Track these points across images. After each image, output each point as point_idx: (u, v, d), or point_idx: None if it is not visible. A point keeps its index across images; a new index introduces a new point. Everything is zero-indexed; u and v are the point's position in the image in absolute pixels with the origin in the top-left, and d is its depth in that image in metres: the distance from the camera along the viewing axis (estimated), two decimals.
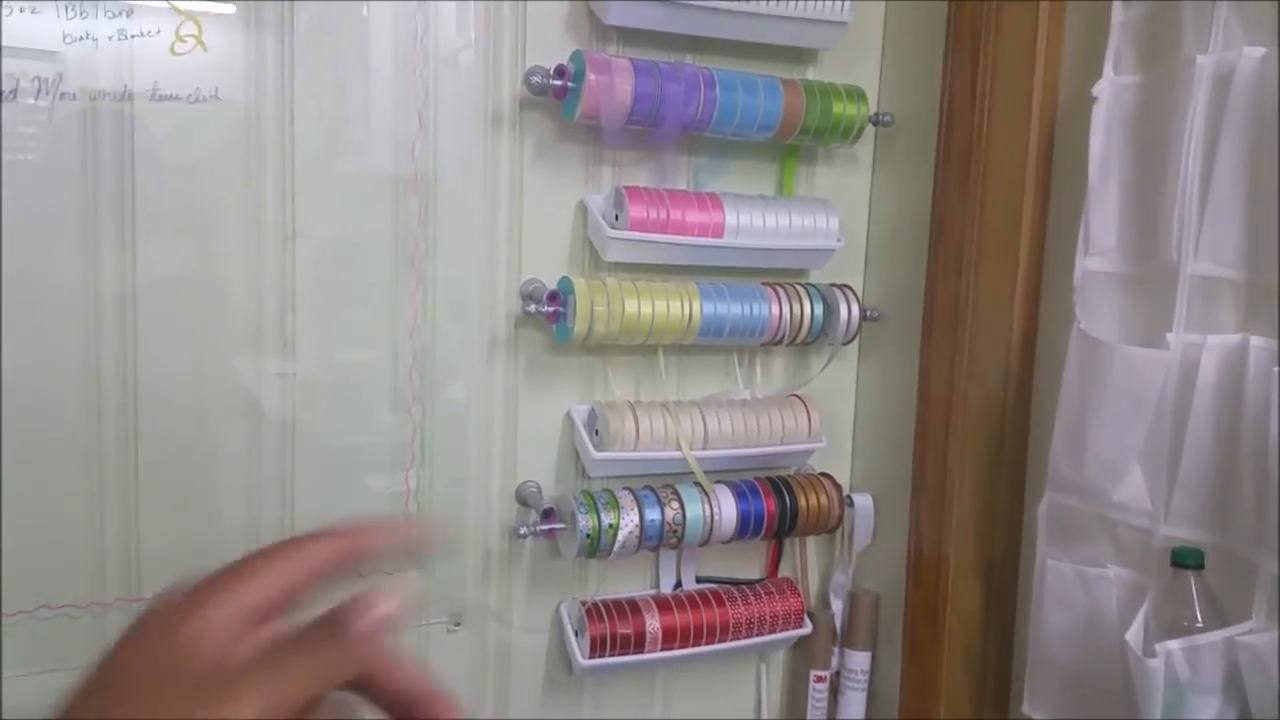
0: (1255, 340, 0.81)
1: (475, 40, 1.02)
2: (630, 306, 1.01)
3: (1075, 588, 0.93)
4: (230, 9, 0.92)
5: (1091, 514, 0.92)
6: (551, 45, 1.03)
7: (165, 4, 0.90)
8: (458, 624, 1.09)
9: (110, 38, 0.89)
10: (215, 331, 0.95)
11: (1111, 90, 0.92)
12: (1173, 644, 0.79)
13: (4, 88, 0.86)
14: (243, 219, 0.95)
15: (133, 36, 0.90)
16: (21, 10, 0.86)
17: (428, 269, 1.02)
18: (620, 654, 1.08)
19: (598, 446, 1.05)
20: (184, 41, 0.92)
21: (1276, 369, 0.78)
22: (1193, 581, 0.81)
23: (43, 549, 0.91)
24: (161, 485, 0.95)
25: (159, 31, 0.90)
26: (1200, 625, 0.80)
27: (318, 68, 0.96)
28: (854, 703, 1.20)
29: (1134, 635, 0.82)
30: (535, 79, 0.99)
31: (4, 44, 0.85)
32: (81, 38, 0.88)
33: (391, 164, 1.00)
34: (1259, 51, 0.81)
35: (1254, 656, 0.78)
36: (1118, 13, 0.91)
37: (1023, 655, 1.02)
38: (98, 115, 0.89)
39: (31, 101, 0.87)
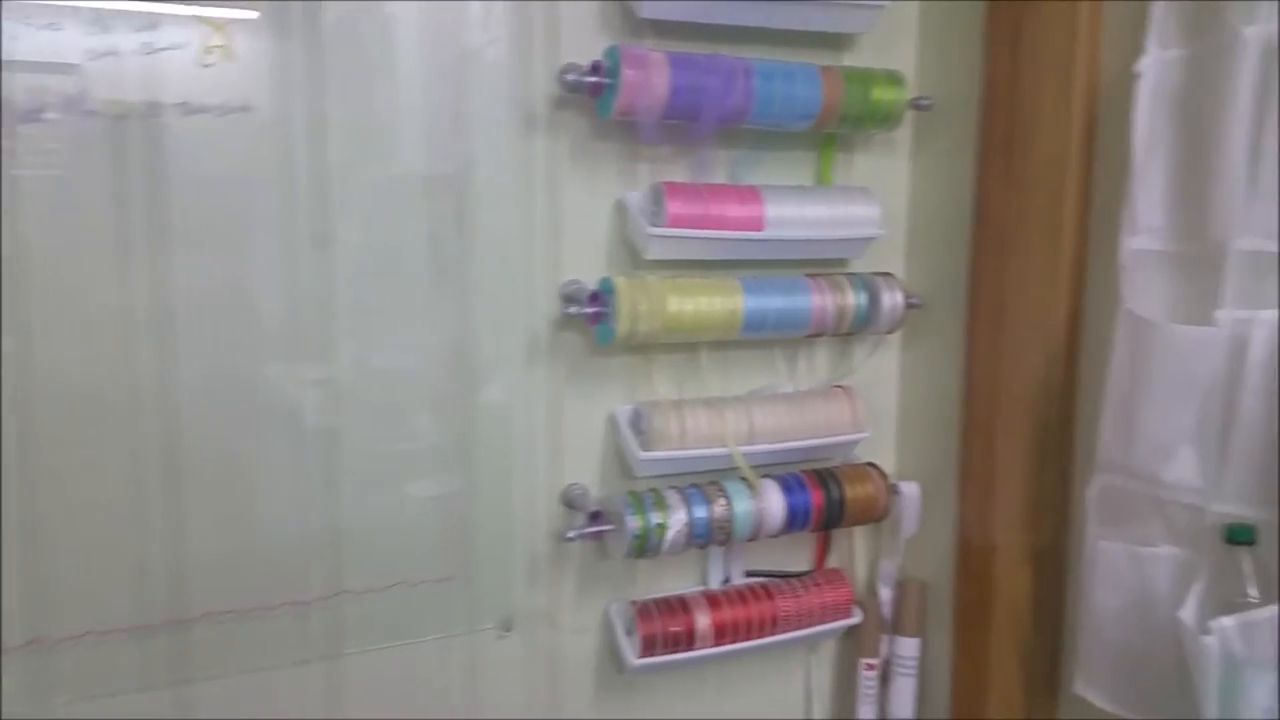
0: None
1: (506, 38, 1.00)
2: (674, 305, 1.00)
3: (1127, 568, 0.93)
4: (254, 14, 0.91)
5: (1142, 494, 0.92)
6: (585, 41, 1.02)
7: (190, 14, 0.88)
8: (508, 630, 1.08)
9: (134, 51, 0.87)
10: (252, 339, 0.94)
11: (1155, 66, 0.90)
12: (1227, 620, 0.79)
13: (26, 105, 0.84)
14: (276, 226, 0.94)
15: (159, 50, 0.88)
16: (42, 27, 0.84)
17: (464, 271, 1.01)
18: (672, 652, 1.07)
19: (643, 446, 1.04)
20: (211, 53, 0.90)
21: None
22: (1246, 557, 0.82)
23: (85, 570, 0.90)
24: (204, 496, 0.93)
25: (186, 44, 0.89)
26: (1255, 600, 0.81)
27: (345, 71, 0.94)
28: (905, 689, 1.20)
29: (1187, 613, 0.83)
30: (569, 76, 0.97)
31: (26, 60, 0.84)
32: (105, 53, 0.86)
33: (424, 166, 0.99)
34: None
35: None
36: None
37: (1073, 637, 1.02)
38: (125, 130, 0.87)
39: (55, 117, 0.85)
